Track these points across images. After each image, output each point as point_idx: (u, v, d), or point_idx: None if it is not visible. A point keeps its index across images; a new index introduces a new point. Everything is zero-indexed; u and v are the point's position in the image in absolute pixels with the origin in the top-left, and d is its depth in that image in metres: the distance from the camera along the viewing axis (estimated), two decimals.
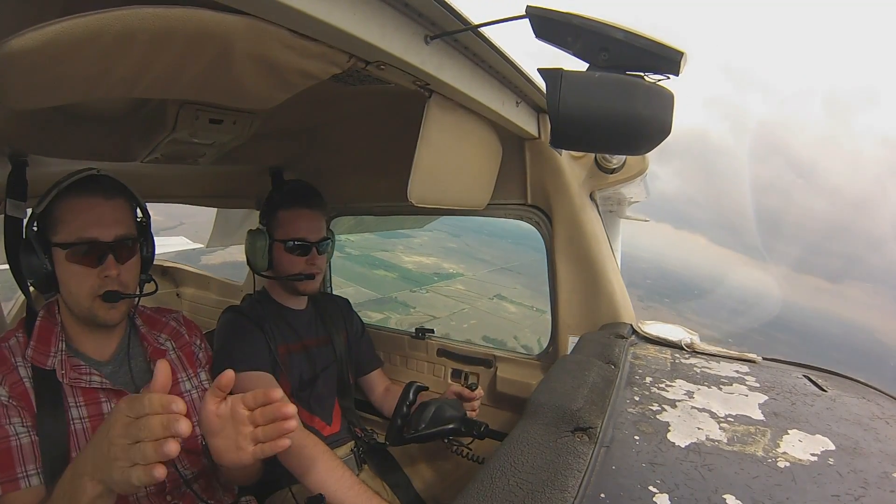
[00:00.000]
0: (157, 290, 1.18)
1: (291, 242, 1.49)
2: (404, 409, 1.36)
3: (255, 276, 1.61)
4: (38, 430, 0.99)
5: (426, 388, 1.36)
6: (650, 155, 1.51)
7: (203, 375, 1.29)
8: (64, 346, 1.07)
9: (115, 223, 1.06)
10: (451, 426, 1.32)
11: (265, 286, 1.63)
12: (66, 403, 1.03)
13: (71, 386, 1.04)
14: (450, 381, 1.89)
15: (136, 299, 1.15)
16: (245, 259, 1.62)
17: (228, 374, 0.87)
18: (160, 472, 0.69)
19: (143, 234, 1.16)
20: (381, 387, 1.77)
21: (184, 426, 0.69)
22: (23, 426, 0.98)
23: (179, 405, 0.71)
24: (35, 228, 1.04)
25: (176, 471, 1.14)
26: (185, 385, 1.23)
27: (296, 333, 1.58)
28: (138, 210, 1.16)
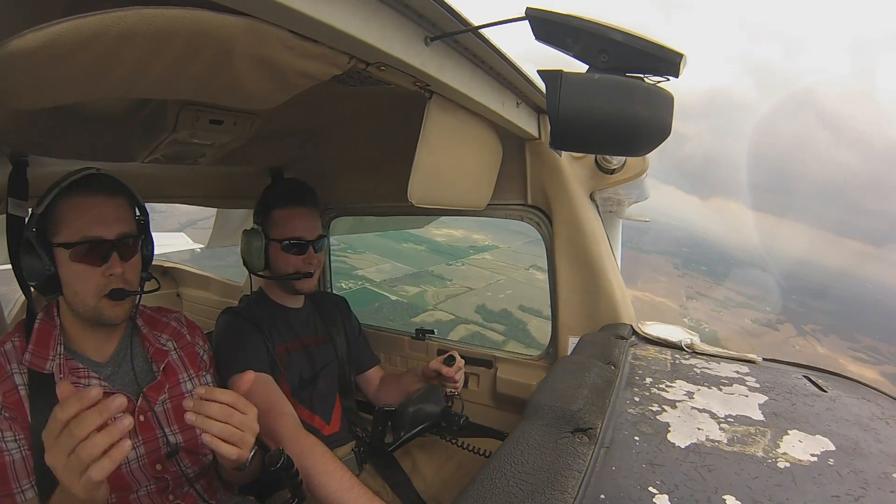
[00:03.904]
0: (159, 287, 1.18)
1: (288, 242, 1.49)
2: (379, 433, 1.36)
3: (252, 276, 1.60)
4: (32, 438, 0.98)
5: (393, 409, 1.34)
6: (650, 155, 1.51)
7: (208, 378, 1.29)
8: (62, 349, 1.06)
9: (118, 221, 1.06)
10: (430, 423, 1.34)
11: (261, 286, 1.63)
12: None
13: None
14: None
15: (139, 297, 1.15)
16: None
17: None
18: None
19: (143, 233, 1.16)
20: (377, 381, 1.78)
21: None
22: (14, 441, 0.97)
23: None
24: (34, 230, 1.03)
25: (179, 469, 1.14)
26: (187, 385, 1.22)
27: (294, 332, 1.57)
28: (136, 209, 1.15)
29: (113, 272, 1.03)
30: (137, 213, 1.16)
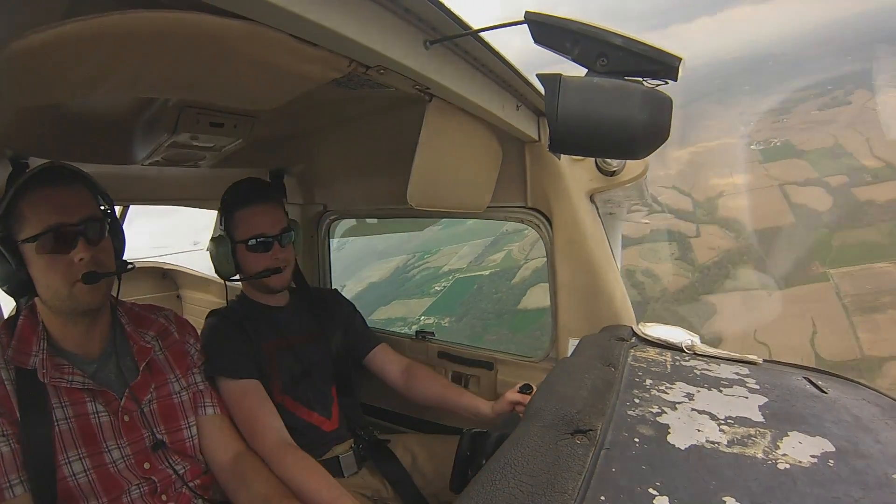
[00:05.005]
0: (133, 267, 1.16)
1: (253, 241, 1.47)
2: (465, 459, 1.30)
3: (226, 282, 1.58)
4: (21, 434, 0.98)
5: (484, 432, 1.28)
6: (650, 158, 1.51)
7: (197, 377, 1.28)
8: (46, 344, 1.05)
9: (79, 206, 1.05)
10: None
11: (242, 289, 1.62)
12: (51, 404, 1.02)
13: (54, 386, 1.03)
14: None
15: (118, 287, 1.14)
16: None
17: None
18: None
19: (110, 219, 1.14)
20: (396, 365, 1.68)
21: None
22: (2, 435, 0.97)
23: None
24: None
25: (168, 467, 1.14)
26: (174, 386, 1.21)
27: (279, 331, 1.56)
28: (99, 197, 1.13)
29: (82, 257, 1.02)
30: (101, 203, 1.13)
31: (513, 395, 1.37)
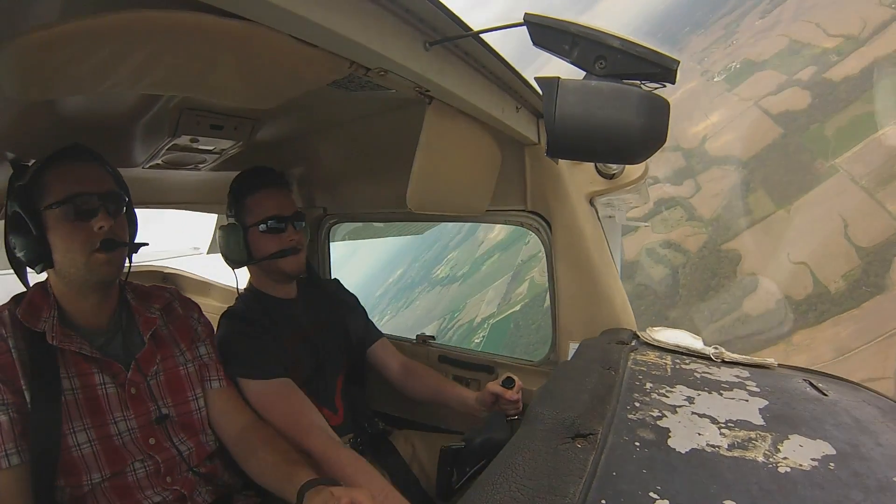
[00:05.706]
0: (147, 245, 1.19)
1: (265, 224, 1.45)
2: (446, 475, 1.30)
3: (236, 271, 1.56)
4: (23, 403, 0.98)
5: (461, 447, 1.27)
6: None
7: (203, 349, 1.28)
8: (56, 313, 1.06)
9: (102, 180, 1.09)
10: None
11: (251, 283, 1.59)
12: (59, 375, 1.03)
13: (62, 351, 1.04)
14: None
15: (128, 266, 1.17)
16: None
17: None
18: None
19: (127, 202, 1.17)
20: (395, 362, 1.70)
21: None
22: (2, 404, 0.97)
23: None
24: (21, 201, 1.05)
25: (174, 448, 1.13)
26: (180, 359, 1.22)
27: (294, 324, 1.54)
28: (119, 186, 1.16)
29: (102, 225, 1.05)
30: (119, 187, 1.16)
31: (494, 386, 1.38)
